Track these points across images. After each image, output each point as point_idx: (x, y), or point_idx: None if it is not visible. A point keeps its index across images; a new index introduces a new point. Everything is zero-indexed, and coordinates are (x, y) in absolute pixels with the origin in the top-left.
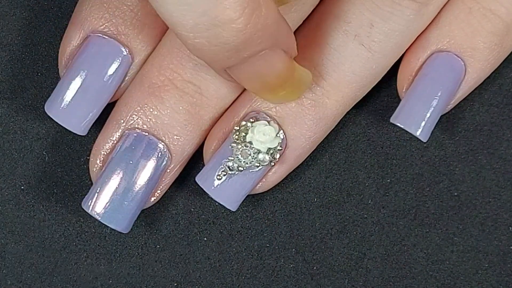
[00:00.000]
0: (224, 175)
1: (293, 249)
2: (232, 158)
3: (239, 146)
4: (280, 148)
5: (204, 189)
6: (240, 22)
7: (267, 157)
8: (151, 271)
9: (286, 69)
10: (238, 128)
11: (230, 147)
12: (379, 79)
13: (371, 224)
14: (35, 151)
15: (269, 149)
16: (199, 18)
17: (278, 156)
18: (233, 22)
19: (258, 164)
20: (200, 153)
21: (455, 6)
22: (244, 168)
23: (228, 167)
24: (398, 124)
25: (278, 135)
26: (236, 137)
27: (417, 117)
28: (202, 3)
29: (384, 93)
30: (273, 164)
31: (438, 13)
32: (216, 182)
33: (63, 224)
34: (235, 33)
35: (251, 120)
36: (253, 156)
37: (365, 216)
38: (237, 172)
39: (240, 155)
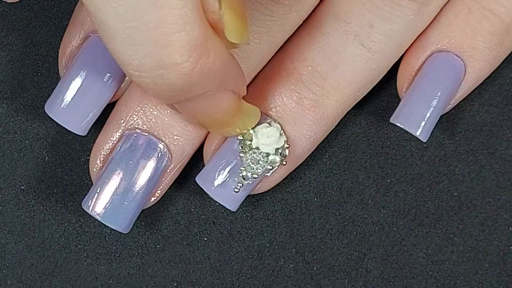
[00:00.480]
0: (241, 186)
1: (293, 249)
2: (244, 168)
3: (248, 155)
4: (288, 145)
5: (204, 189)
6: (186, 67)
7: (277, 158)
8: (151, 271)
9: (233, 109)
10: (242, 137)
11: (238, 157)
12: (379, 79)
13: (371, 224)
14: (35, 151)
15: (277, 149)
16: (145, 59)
17: (287, 152)
18: (178, 66)
19: (271, 167)
20: (200, 153)
21: (455, 6)
22: (258, 174)
23: (243, 177)
24: (398, 124)
25: (281, 133)
26: (242, 146)
27: (417, 117)
28: (149, 45)
29: (384, 93)
30: (285, 163)
31: (438, 13)
32: (216, 182)
33: (63, 224)
34: (180, 76)
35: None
36: (264, 160)
37: (365, 216)
38: (252, 181)
39: (251, 163)
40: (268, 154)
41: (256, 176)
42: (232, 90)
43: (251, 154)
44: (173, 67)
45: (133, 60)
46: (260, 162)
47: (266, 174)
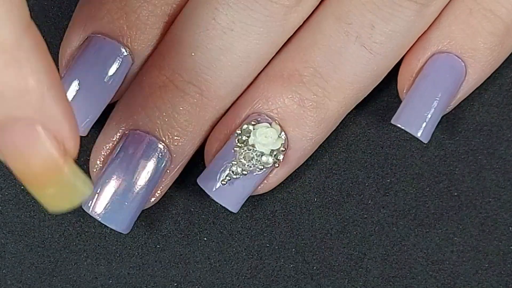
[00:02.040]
0: (229, 179)
1: (293, 249)
2: (236, 162)
3: (242, 150)
4: (283, 149)
5: (206, 191)
6: None
7: (271, 159)
8: (151, 271)
9: (52, 156)
10: (240, 131)
11: (232, 151)
12: (380, 80)
13: (371, 224)
14: None
15: (272, 150)
16: None
17: (281, 157)
18: None
19: (262, 167)
20: (200, 153)
21: (456, 7)
22: (248, 171)
23: (232, 171)
24: (399, 126)
25: (280, 136)
26: (238, 140)
27: (418, 119)
28: None
29: (384, 93)
30: (277, 165)
31: (439, 14)
32: (218, 184)
33: (63, 224)
34: None
35: (253, 122)
36: (257, 159)
37: (365, 216)
38: (241, 176)
39: (243, 159)
40: (262, 154)
41: (246, 173)
42: (53, 133)
43: (245, 150)
44: None
45: None
46: (252, 160)
47: (255, 173)
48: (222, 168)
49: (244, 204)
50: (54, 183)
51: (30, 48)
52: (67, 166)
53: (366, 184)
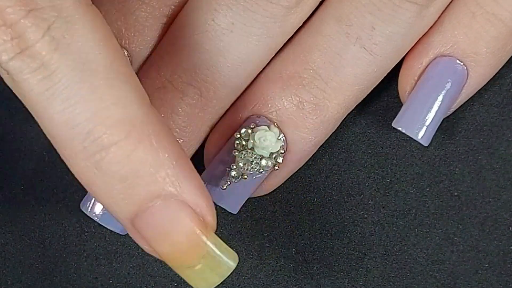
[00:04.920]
0: (228, 184)
1: (293, 249)
2: (235, 166)
3: (241, 154)
4: (283, 151)
5: None
6: (123, 146)
7: (270, 162)
8: (151, 271)
9: (196, 228)
10: (238, 135)
11: (232, 154)
12: (379, 81)
13: (371, 224)
14: (35, 151)
15: (272, 153)
16: (86, 141)
17: (281, 159)
18: (116, 144)
19: (262, 170)
20: (199, 154)
21: (458, 11)
22: (248, 175)
23: (232, 176)
24: (400, 129)
25: (279, 138)
26: (237, 144)
27: (419, 122)
28: (88, 119)
29: (384, 93)
30: (277, 168)
31: (441, 17)
32: (217, 188)
33: (63, 224)
34: (120, 158)
35: (251, 126)
36: (256, 162)
37: (365, 216)
38: (240, 180)
39: (242, 163)
40: (261, 157)
41: (246, 176)
42: (191, 206)
43: (245, 154)
44: (111, 146)
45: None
46: (252, 163)
47: (257, 176)
48: (221, 171)
49: (244, 204)
50: (201, 258)
51: (157, 122)
52: (211, 238)
53: (366, 184)
